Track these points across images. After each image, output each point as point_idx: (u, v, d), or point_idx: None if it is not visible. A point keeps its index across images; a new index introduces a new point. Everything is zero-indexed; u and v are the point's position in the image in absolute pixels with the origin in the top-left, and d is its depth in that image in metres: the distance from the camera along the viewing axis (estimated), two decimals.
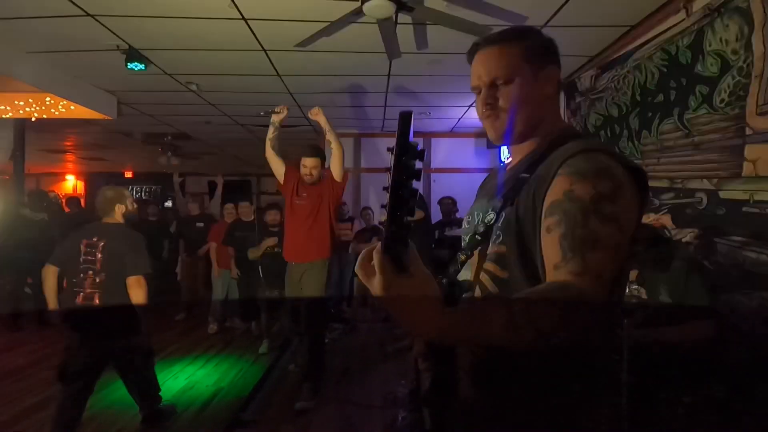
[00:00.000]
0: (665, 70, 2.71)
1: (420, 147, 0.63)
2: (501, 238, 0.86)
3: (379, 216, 4.59)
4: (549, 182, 0.80)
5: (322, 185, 3.28)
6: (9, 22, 3.08)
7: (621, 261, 0.75)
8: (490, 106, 0.91)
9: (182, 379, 3.52)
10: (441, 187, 6.16)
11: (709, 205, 2.30)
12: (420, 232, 4.34)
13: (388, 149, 0.63)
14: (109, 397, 3.16)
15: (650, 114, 2.85)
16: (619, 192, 0.76)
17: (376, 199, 5.96)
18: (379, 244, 0.64)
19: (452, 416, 0.84)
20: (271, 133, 3.23)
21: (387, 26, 2.73)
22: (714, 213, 2.25)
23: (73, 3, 2.78)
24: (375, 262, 0.64)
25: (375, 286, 0.64)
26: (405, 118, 0.64)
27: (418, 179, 0.63)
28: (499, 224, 0.87)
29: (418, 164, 0.62)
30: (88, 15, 2.96)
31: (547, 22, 3.04)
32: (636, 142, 3.00)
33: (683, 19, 2.55)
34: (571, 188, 0.76)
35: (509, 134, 0.92)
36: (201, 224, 5.38)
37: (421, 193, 5.63)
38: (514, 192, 0.87)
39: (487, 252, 0.89)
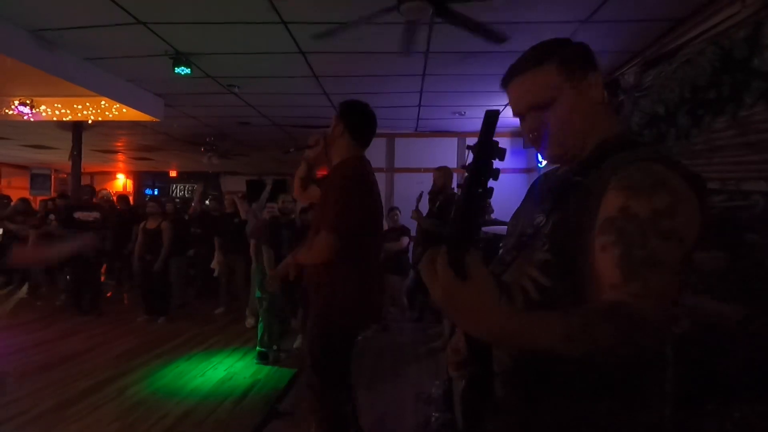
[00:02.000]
0: (718, 65, 2.56)
1: (502, 146, 0.63)
2: (548, 245, 0.83)
3: (412, 213, 4.54)
4: (602, 194, 0.77)
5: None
6: (69, 31, 3.32)
7: (683, 273, 0.73)
8: (537, 134, 0.88)
9: (221, 370, 3.66)
10: None
11: (767, 208, 2.15)
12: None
13: (468, 147, 0.63)
14: (153, 385, 3.34)
15: (700, 112, 2.70)
16: (678, 206, 0.72)
17: (407, 199, 5.95)
18: (444, 247, 0.64)
19: (487, 420, 0.83)
20: (303, 171, 2.16)
21: (412, 26, 2.73)
22: None
23: (127, 12, 2.96)
24: (438, 265, 0.63)
25: (436, 289, 0.64)
26: (490, 117, 0.63)
27: (496, 179, 0.62)
28: (547, 230, 0.84)
29: (497, 165, 0.62)
30: (140, 23, 3.14)
31: (589, 17, 2.95)
32: (684, 142, 2.85)
33: (739, 11, 2.40)
34: (627, 204, 0.73)
35: (564, 154, 0.90)
36: (237, 220, 5.56)
37: (455, 192, 5.57)
38: (565, 198, 0.83)
39: (533, 257, 0.85)
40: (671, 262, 0.70)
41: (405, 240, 5.01)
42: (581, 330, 0.64)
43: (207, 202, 6.52)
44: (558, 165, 0.98)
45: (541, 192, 0.97)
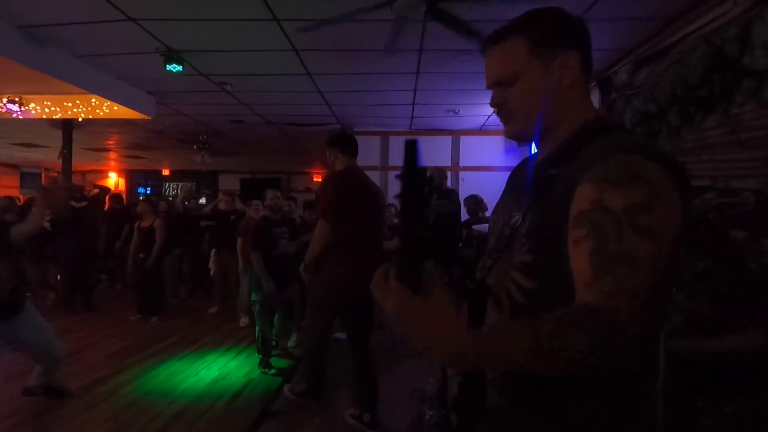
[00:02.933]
0: (709, 63, 2.58)
1: (429, 173, 0.62)
2: (526, 246, 0.79)
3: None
4: (576, 187, 0.72)
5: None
6: (58, 28, 3.27)
7: (661, 275, 0.67)
8: (499, 108, 0.85)
9: (215, 370, 3.65)
10: (470, 185, 6.09)
11: (757, 205, 2.17)
12: (448, 228, 4.31)
13: (397, 176, 0.62)
14: (146, 385, 3.32)
15: (692, 110, 2.72)
16: (656, 199, 0.67)
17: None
18: (395, 265, 0.62)
19: (481, 421, 0.82)
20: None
21: (400, 24, 2.73)
22: (761, 213, 2.13)
23: (117, 8, 2.93)
24: (390, 280, 0.62)
25: (388, 305, 0.62)
26: (410, 146, 0.61)
27: (429, 205, 0.62)
28: (524, 230, 0.80)
29: (429, 190, 0.62)
30: (130, 19, 3.10)
31: (581, 15, 2.95)
32: (675, 140, 2.87)
33: (729, 9, 2.42)
34: (601, 197, 0.68)
35: (526, 134, 0.86)
36: (233, 218, 5.54)
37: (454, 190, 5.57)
38: (541, 192, 0.79)
39: (513, 259, 0.81)
40: (648, 259, 0.65)
41: (397, 240, 5.01)
42: (550, 340, 0.59)
43: (187, 203, 6.44)
44: (520, 144, 0.97)
45: (518, 184, 0.93)
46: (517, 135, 0.88)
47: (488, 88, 0.87)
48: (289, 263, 3.70)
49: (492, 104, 0.87)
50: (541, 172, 0.81)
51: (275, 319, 3.88)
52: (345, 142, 2.68)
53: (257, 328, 3.71)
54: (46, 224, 5.47)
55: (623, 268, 0.64)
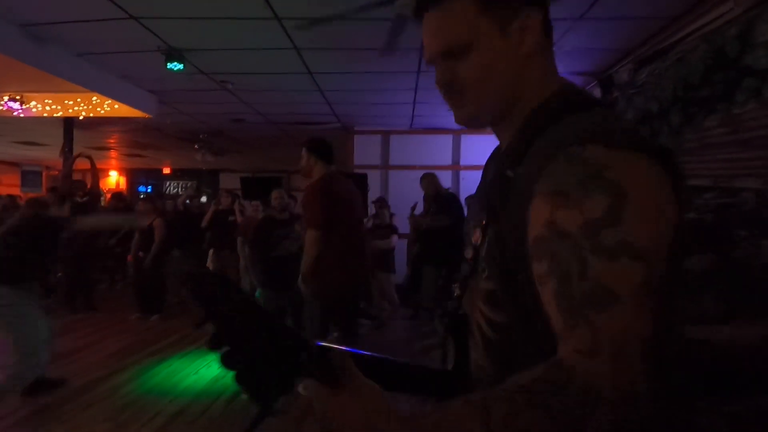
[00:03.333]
0: (710, 62, 2.58)
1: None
2: (486, 271, 0.65)
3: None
4: (530, 197, 0.56)
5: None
6: (59, 26, 3.27)
7: (660, 298, 0.50)
8: (448, 87, 0.68)
9: (215, 368, 3.65)
10: (471, 184, 6.09)
11: (757, 205, 2.17)
12: (446, 238, 4.28)
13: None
14: (146, 383, 3.32)
15: (693, 109, 2.72)
16: (625, 203, 0.50)
17: (403, 196, 5.95)
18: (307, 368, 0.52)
19: None
20: None
21: (398, 24, 2.74)
22: (762, 213, 2.13)
23: (119, 6, 2.92)
24: (307, 388, 0.54)
25: (317, 413, 0.53)
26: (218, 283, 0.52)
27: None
28: (483, 252, 0.67)
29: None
30: (132, 17, 3.10)
31: (583, 15, 2.95)
32: (677, 139, 2.87)
33: (731, 9, 2.42)
34: (554, 217, 0.52)
35: (482, 118, 0.69)
36: (232, 218, 5.55)
37: (452, 191, 5.57)
38: (498, 202, 0.63)
39: (478, 285, 0.68)
40: (631, 288, 0.48)
41: (394, 238, 5.01)
42: (503, 425, 0.46)
43: (188, 201, 6.46)
44: (472, 128, 0.78)
45: (485, 183, 0.78)
46: (470, 119, 0.70)
47: (428, 62, 0.70)
48: (290, 265, 3.68)
49: (438, 83, 0.69)
50: (500, 171, 0.66)
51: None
52: (325, 150, 2.73)
53: None
54: None
55: (597, 311, 0.48)
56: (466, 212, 4.89)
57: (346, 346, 0.58)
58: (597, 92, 4.15)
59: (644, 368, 0.47)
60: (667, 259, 0.51)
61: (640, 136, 0.58)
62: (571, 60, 3.65)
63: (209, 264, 5.65)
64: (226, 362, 0.49)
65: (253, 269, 3.91)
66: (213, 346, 0.50)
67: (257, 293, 3.85)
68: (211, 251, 5.62)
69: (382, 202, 5.22)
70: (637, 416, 0.46)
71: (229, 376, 0.52)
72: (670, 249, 0.52)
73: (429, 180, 4.61)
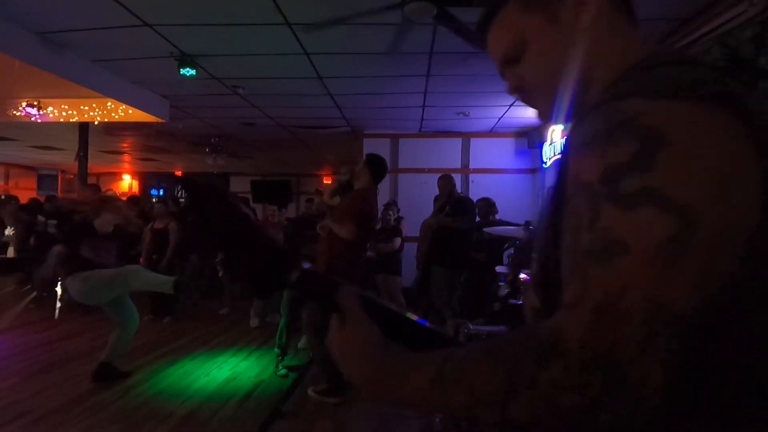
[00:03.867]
0: (724, 65, 2.54)
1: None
2: (537, 254, 0.60)
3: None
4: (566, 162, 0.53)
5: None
6: (75, 33, 3.35)
7: (709, 270, 0.39)
8: (518, 92, 0.66)
9: (226, 370, 3.67)
10: (480, 188, 6.07)
11: None
12: (460, 239, 4.27)
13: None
14: (158, 385, 3.36)
15: None
16: (656, 150, 0.41)
17: (412, 199, 5.95)
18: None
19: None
20: (334, 186, 3.55)
21: (405, 28, 2.75)
22: None
23: (133, 14, 2.98)
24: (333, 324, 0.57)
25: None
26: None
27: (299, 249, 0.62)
28: (537, 235, 0.64)
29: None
30: (146, 25, 3.16)
31: None
32: None
33: (745, 10, 2.39)
34: (578, 169, 0.46)
35: (556, 110, 0.63)
36: None
37: (462, 194, 5.55)
38: (553, 188, 0.58)
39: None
40: (649, 241, 0.39)
41: (397, 241, 5.01)
42: (452, 369, 0.43)
43: None
44: (555, 123, 0.75)
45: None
46: (547, 114, 0.65)
47: (501, 75, 0.69)
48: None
49: (509, 91, 0.68)
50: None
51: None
52: (380, 170, 3.16)
53: (281, 322, 3.74)
54: (53, 230, 5.58)
55: (596, 263, 0.40)
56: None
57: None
58: None
59: (644, 341, 0.37)
60: (717, 218, 0.39)
61: (715, 86, 0.44)
62: None
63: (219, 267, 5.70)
64: (225, 266, 0.56)
65: None
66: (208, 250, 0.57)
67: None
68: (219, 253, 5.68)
69: (389, 206, 5.21)
70: (603, 394, 0.36)
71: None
72: (741, 223, 0.40)
73: (448, 180, 4.61)
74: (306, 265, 0.56)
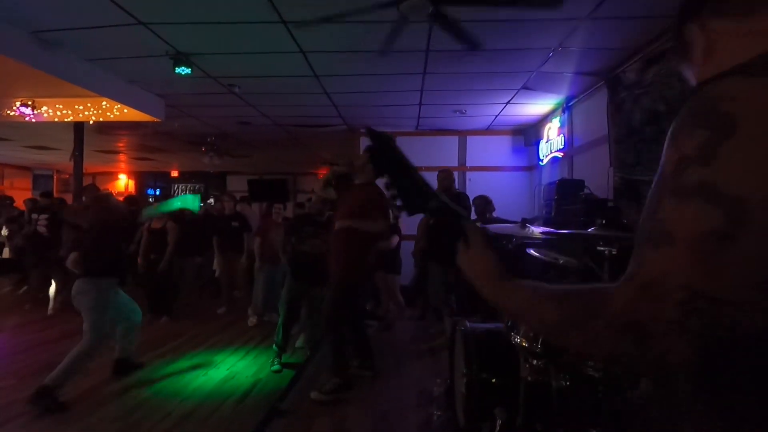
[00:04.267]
0: None
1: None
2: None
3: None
4: None
5: None
6: (69, 32, 3.33)
7: (733, 256, 0.42)
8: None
9: (224, 369, 3.67)
10: (477, 186, 6.07)
11: None
12: (457, 232, 4.28)
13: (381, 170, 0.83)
14: (156, 384, 3.35)
15: None
16: (721, 141, 0.43)
17: None
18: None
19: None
20: (329, 177, 3.53)
21: (399, 26, 2.75)
22: None
23: (127, 12, 2.97)
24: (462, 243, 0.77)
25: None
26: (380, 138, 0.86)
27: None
28: None
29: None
30: (140, 23, 3.14)
31: (590, 14, 2.94)
32: None
33: None
34: (664, 160, 0.49)
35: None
36: (236, 224, 5.54)
37: (459, 191, 5.56)
38: None
39: None
40: (692, 234, 0.43)
41: (395, 239, 5.02)
42: (533, 303, 0.59)
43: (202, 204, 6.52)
44: None
45: None
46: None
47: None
48: (315, 263, 3.73)
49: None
50: None
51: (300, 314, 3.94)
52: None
53: (280, 319, 3.74)
54: (43, 230, 5.54)
55: (650, 248, 0.47)
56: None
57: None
58: (603, 92, 4.12)
59: (674, 321, 0.44)
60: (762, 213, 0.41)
61: None
62: (578, 59, 3.63)
63: (215, 265, 5.69)
64: (389, 186, 0.78)
65: (284, 256, 4.39)
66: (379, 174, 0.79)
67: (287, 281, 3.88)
68: (216, 253, 5.67)
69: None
70: (627, 352, 0.48)
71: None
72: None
73: (447, 174, 4.62)
74: (444, 198, 0.78)
